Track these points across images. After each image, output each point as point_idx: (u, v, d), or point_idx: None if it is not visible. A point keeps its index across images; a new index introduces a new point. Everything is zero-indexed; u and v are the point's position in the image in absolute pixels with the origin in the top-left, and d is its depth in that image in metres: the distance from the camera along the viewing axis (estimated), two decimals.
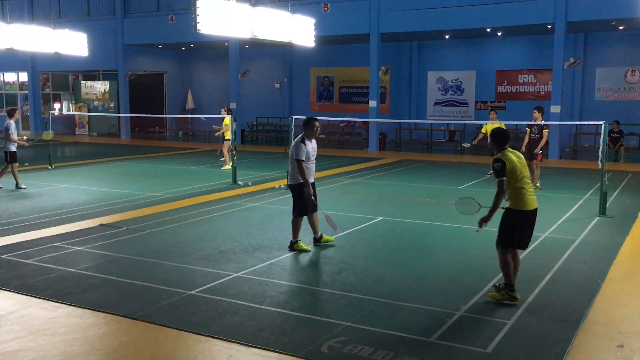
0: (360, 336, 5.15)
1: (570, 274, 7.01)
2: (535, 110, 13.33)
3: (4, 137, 13.14)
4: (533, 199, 6.03)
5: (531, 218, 6.03)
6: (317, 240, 8.28)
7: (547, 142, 13.67)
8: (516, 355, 4.84)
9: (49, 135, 14.59)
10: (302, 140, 7.88)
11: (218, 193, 12.67)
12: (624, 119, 20.16)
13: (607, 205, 10.56)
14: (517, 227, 5.99)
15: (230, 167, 14.76)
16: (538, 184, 13.43)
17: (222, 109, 17.65)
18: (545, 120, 13.60)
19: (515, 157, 6.02)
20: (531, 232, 6.11)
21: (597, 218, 10.19)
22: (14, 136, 13.06)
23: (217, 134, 18.35)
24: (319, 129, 8.10)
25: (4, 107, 32.64)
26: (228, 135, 16.74)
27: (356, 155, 21.03)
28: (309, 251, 8.00)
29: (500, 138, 6.11)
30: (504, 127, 15.02)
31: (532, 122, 13.36)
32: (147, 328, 5.41)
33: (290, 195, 8.21)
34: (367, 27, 22.09)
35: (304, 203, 7.96)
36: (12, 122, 13.10)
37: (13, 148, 13.06)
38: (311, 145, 7.97)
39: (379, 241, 8.62)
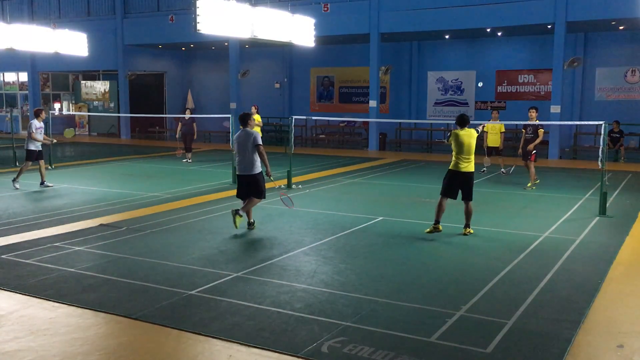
0: (360, 336, 5.15)
1: (570, 274, 7.01)
2: (532, 110, 13.32)
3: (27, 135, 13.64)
4: (461, 165, 8.70)
5: (457, 177, 8.73)
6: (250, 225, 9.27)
7: (543, 142, 13.65)
8: (516, 355, 4.84)
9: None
10: None
11: (218, 193, 12.66)
12: (624, 119, 20.14)
13: (607, 205, 10.57)
14: (446, 180, 8.85)
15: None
16: (529, 184, 13.32)
17: (253, 107, 17.52)
18: (544, 120, 13.61)
19: (464, 136, 8.64)
20: (458, 189, 8.75)
21: (597, 218, 10.19)
22: (37, 135, 13.43)
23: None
24: None
25: (4, 107, 32.67)
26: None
27: (356, 155, 21.02)
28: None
29: (459, 120, 8.81)
30: (504, 128, 15.36)
31: (529, 122, 13.34)
32: (147, 328, 5.41)
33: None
34: (367, 27, 22.08)
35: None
36: (34, 122, 13.51)
37: (32, 147, 13.46)
38: None
39: (379, 241, 8.62)
